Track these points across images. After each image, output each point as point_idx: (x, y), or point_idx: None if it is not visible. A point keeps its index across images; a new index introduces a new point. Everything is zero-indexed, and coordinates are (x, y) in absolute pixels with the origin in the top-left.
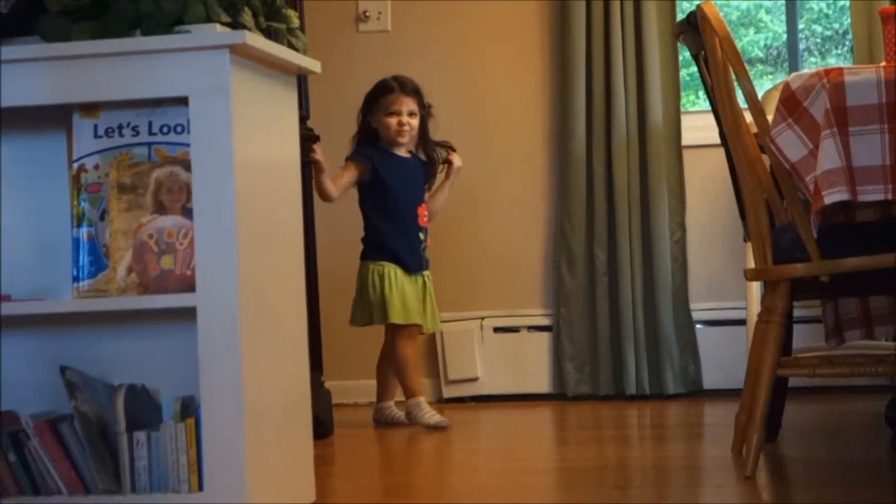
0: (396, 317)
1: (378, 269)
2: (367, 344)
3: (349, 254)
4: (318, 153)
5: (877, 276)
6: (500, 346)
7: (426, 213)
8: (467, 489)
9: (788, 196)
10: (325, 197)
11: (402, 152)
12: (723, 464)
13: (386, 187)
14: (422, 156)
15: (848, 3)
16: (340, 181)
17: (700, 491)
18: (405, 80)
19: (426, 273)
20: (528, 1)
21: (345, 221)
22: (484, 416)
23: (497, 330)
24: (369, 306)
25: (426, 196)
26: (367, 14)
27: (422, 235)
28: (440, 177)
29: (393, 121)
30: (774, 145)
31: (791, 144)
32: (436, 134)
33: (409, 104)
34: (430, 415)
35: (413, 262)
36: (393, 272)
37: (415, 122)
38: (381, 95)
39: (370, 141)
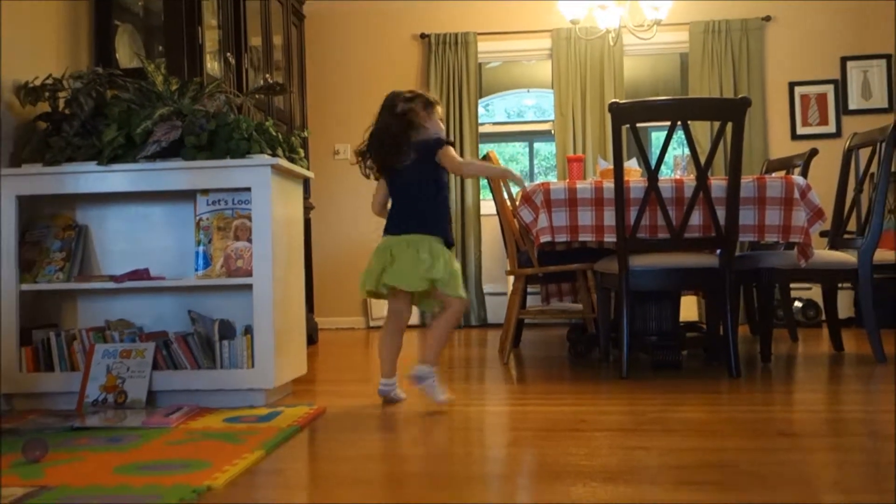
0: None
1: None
2: (341, 295)
3: (331, 255)
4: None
5: (564, 274)
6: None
7: None
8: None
9: (525, 238)
10: (468, 174)
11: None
12: (494, 357)
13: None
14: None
15: (555, 152)
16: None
17: (483, 369)
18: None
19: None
20: None
21: (332, 239)
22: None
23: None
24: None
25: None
26: (339, 151)
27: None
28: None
29: (442, 125)
30: (519, 215)
31: (526, 214)
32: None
33: None
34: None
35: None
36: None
37: None
38: (436, 105)
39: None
